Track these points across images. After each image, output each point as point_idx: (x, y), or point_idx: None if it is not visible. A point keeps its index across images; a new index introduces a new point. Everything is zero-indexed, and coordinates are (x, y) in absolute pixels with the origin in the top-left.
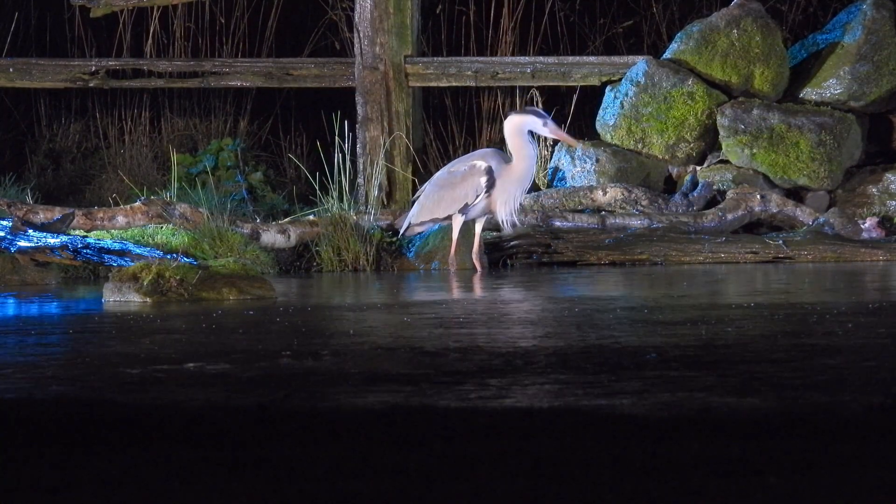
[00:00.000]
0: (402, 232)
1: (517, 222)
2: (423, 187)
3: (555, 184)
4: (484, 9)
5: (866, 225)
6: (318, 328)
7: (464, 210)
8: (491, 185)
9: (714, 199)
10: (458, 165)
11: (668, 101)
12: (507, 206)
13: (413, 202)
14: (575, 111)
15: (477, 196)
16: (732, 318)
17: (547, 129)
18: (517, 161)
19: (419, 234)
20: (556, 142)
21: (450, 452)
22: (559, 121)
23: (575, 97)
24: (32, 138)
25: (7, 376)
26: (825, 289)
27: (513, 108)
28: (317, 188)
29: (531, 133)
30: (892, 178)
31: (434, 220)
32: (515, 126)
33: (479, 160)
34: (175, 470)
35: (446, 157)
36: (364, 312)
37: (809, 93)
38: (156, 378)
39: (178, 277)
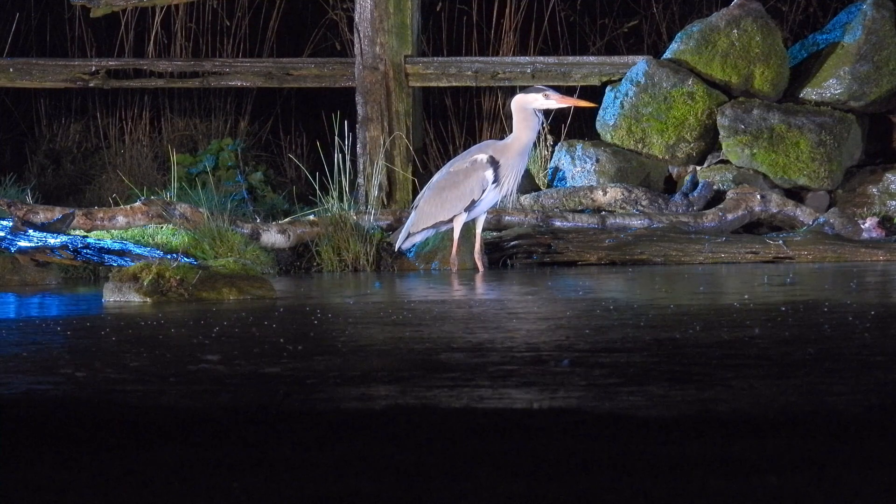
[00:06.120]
0: (399, 245)
1: (517, 199)
2: (420, 194)
3: (555, 184)
4: (485, 9)
5: (866, 225)
6: (318, 328)
7: (469, 207)
8: (497, 176)
9: (714, 199)
10: (458, 164)
11: (668, 101)
12: (510, 182)
13: (411, 210)
14: (575, 111)
15: (483, 190)
16: (733, 318)
17: (552, 100)
18: (519, 132)
19: (417, 243)
20: (556, 142)
21: (450, 452)
22: (560, 119)
23: (575, 97)
24: (32, 138)
25: (7, 376)
26: (826, 289)
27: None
28: (317, 188)
29: (536, 112)
30: (892, 178)
31: (436, 224)
32: (519, 104)
33: (479, 154)
34: (175, 470)
35: (446, 157)
36: (364, 313)
37: (809, 93)
38: (156, 378)
39: (178, 277)
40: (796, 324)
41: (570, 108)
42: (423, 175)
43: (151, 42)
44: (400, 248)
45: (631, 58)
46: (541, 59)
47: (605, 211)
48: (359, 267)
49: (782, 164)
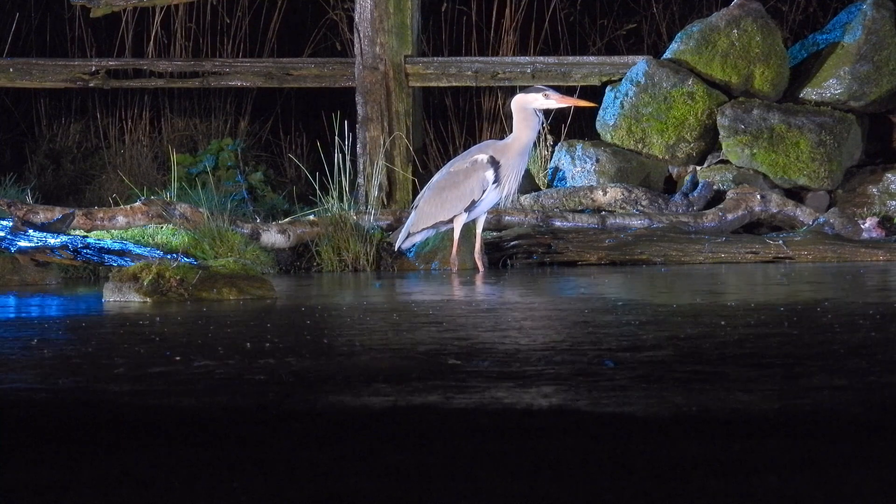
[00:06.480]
0: (398, 245)
1: (517, 199)
2: (420, 194)
3: (555, 184)
4: (485, 9)
5: (866, 225)
6: (317, 328)
7: (470, 208)
8: (498, 176)
9: (714, 199)
10: (458, 164)
11: (668, 101)
12: (510, 182)
13: (411, 210)
14: (575, 111)
15: (483, 191)
16: (733, 319)
17: (552, 100)
18: (519, 132)
19: (417, 243)
20: (556, 142)
21: (450, 453)
22: (560, 119)
23: (575, 97)
24: (32, 138)
25: (7, 377)
26: (826, 289)
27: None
28: (317, 188)
29: (536, 112)
30: (892, 178)
31: (436, 225)
32: (519, 104)
33: (479, 154)
34: (175, 470)
35: (446, 157)
36: (364, 313)
37: (809, 93)
38: (156, 378)
39: (178, 277)
40: (796, 324)
41: (570, 108)
42: (423, 175)
43: (151, 42)
44: (400, 248)
45: (631, 58)
46: (541, 59)
47: (605, 211)
48: (359, 267)
49: (782, 164)
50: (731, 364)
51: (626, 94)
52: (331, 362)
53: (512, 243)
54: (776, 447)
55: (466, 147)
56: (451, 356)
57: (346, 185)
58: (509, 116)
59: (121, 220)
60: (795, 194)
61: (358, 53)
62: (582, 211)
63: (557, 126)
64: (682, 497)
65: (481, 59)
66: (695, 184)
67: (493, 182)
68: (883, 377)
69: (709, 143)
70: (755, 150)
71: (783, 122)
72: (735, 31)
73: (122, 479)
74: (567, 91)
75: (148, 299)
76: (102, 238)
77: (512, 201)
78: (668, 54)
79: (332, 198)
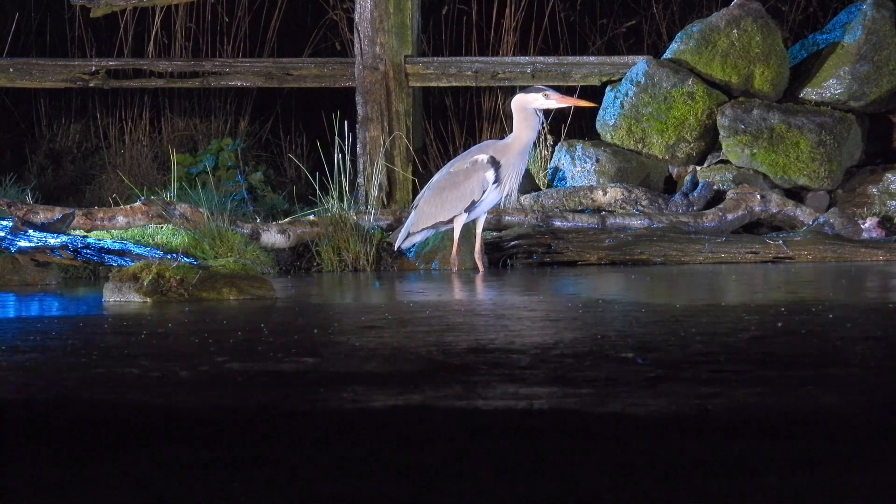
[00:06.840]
0: (398, 245)
1: (518, 198)
2: (420, 194)
3: (555, 184)
4: (485, 9)
5: (866, 225)
6: (317, 328)
7: (470, 208)
8: (498, 176)
9: (714, 199)
10: (459, 164)
11: (668, 101)
12: (511, 182)
13: (411, 210)
14: (575, 111)
15: (483, 191)
16: (734, 318)
17: (552, 100)
18: (519, 132)
19: (417, 243)
20: (556, 142)
21: (450, 452)
22: (560, 119)
23: (575, 97)
24: (32, 138)
25: (7, 377)
26: (826, 289)
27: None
28: (317, 188)
29: (536, 112)
30: (892, 178)
31: (436, 225)
32: (519, 104)
33: (479, 154)
34: (175, 470)
35: (446, 157)
36: (364, 313)
37: (809, 93)
38: (156, 378)
39: (178, 277)
40: (797, 324)
41: (570, 108)
42: (423, 175)
43: (151, 42)
44: (400, 247)
45: (631, 58)
46: (540, 59)
47: (605, 211)
48: (359, 267)
49: (782, 164)
50: (732, 364)
51: (626, 94)
52: (331, 362)
53: (512, 243)
54: (776, 447)
55: (466, 147)
56: (452, 356)
57: (346, 185)
58: (509, 116)
59: (121, 220)
60: (795, 194)
61: (358, 53)
62: (582, 211)
63: (557, 126)
64: (682, 497)
65: (481, 59)
66: (695, 184)
67: (494, 182)
68: (883, 377)
69: (709, 143)
70: (755, 150)
71: (783, 122)
72: (735, 31)
73: (122, 479)
74: (567, 91)
75: (148, 299)
76: (102, 238)
77: (512, 201)
78: (668, 54)
79: (332, 198)
